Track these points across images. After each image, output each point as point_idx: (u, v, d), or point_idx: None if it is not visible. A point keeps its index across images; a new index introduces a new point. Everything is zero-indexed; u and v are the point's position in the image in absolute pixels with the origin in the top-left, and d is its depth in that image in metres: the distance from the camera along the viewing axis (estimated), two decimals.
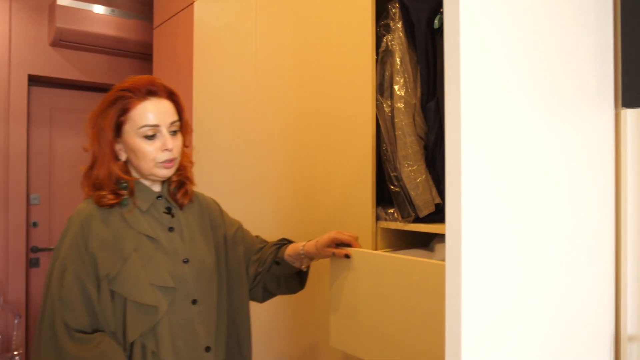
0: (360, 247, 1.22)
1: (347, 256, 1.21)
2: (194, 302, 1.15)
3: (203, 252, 1.20)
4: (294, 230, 1.64)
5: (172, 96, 1.19)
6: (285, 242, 1.33)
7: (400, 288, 1.10)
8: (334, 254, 1.23)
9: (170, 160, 1.15)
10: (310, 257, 1.27)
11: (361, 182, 1.43)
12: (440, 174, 1.36)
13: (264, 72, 1.80)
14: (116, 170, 1.14)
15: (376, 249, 1.40)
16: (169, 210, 1.20)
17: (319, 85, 1.58)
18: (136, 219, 1.14)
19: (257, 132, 1.84)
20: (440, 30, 1.38)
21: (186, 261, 1.16)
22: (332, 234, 1.23)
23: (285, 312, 1.71)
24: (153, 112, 1.12)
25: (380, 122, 1.40)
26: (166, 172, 1.16)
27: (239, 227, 1.35)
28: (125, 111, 1.12)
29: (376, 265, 1.16)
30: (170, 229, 1.18)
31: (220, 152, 2.04)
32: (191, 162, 1.28)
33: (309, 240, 1.26)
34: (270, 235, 1.42)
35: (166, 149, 1.13)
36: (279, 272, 1.31)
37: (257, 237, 1.38)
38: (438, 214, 1.35)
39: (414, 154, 1.34)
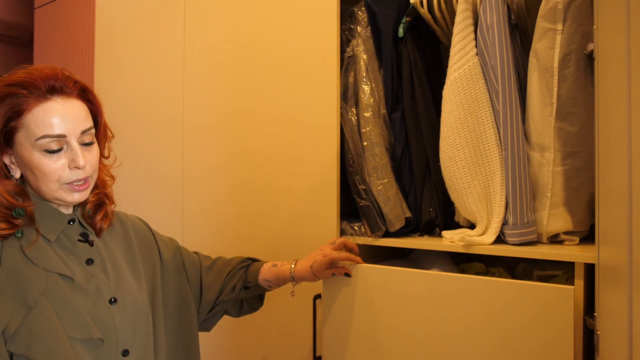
0: (359, 259, 1.17)
1: (347, 274, 1.14)
2: (125, 353, 0.91)
3: (133, 288, 0.96)
4: (244, 246, 1.49)
5: (84, 94, 0.93)
6: (249, 262, 1.19)
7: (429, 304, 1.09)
8: (334, 274, 1.14)
9: (83, 181, 0.89)
10: (302, 281, 1.15)
11: (324, 194, 1.34)
12: (406, 187, 1.33)
13: (195, 67, 1.62)
14: (4, 192, 0.87)
15: None
16: (85, 238, 0.94)
17: (272, 86, 1.45)
18: (42, 252, 0.87)
19: (188, 136, 1.65)
20: (404, 39, 1.35)
21: (113, 301, 0.91)
22: (330, 255, 1.13)
23: (232, 329, 1.55)
24: (58, 117, 0.85)
25: (345, 131, 1.33)
26: (77, 197, 0.89)
27: (177, 248, 1.13)
28: (17, 115, 0.85)
29: (396, 279, 1.14)
30: (89, 262, 0.92)
31: (140, 160, 1.79)
32: (112, 177, 1.04)
33: (294, 262, 1.14)
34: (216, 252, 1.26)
35: (76, 167, 0.87)
36: (246, 295, 1.17)
37: (196, 253, 1.18)
38: (407, 228, 1.31)
39: (383, 166, 1.29)
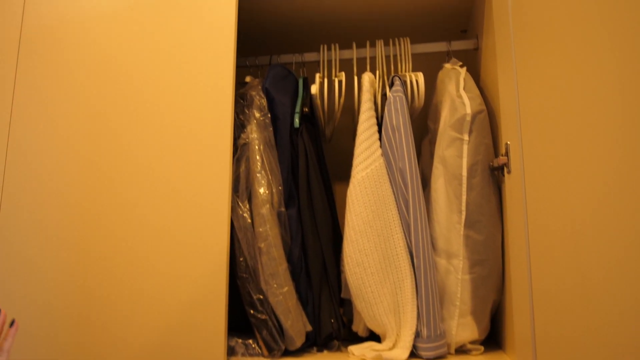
0: None
1: None
2: None
3: None
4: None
5: None
6: None
7: None
8: None
9: None
10: None
11: (208, 306, 1.10)
12: (303, 294, 1.17)
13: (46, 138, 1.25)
14: None
15: None
16: None
17: (149, 175, 1.18)
18: None
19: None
20: (299, 130, 1.25)
21: None
22: None
23: None
24: None
25: (236, 230, 1.13)
26: None
27: None
28: None
29: None
30: None
31: None
32: None
33: None
34: None
35: None
36: None
37: None
38: (307, 343, 1.15)
39: (283, 271, 1.12)
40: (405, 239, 1.12)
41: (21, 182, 1.21)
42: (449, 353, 1.12)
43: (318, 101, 1.27)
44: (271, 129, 1.19)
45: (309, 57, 1.41)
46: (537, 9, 0.85)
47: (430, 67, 1.46)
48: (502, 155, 1.06)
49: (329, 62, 1.38)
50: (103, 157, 1.18)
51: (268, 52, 1.51)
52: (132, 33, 1.22)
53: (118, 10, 1.24)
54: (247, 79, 1.39)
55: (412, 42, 1.37)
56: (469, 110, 1.12)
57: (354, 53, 1.37)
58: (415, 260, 1.10)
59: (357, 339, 1.22)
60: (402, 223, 1.13)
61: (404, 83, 1.22)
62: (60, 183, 1.19)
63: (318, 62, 1.39)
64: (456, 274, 1.12)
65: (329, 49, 1.39)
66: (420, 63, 1.52)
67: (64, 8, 1.27)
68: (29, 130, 1.23)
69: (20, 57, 1.28)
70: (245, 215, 1.14)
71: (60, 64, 1.25)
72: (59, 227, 1.17)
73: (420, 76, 1.24)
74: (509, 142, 1.02)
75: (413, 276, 1.11)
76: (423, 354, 1.07)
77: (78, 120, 1.21)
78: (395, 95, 1.17)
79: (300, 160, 1.23)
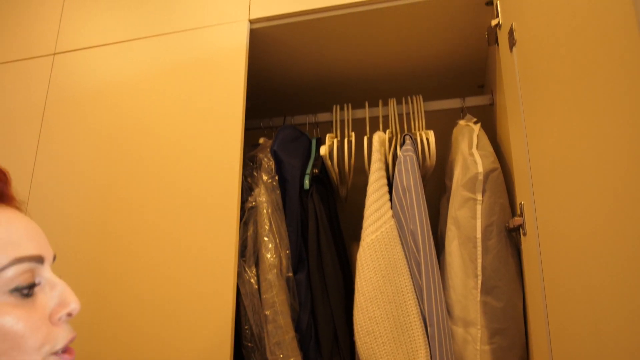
0: None
1: None
2: None
3: None
4: None
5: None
6: None
7: None
8: None
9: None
10: None
11: None
12: None
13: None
14: None
15: None
16: None
17: (154, 240, 1.18)
18: None
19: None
20: (309, 191, 1.23)
21: None
22: None
23: None
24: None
25: (242, 296, 1.10)
26: None
27: None
28: None
29: None
30: None
31: None
32: None
33: None
34: None
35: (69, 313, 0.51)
36: None
37: None
38: None
39: (290, 341, 1.07)
40: (419, 305, 1.06)
41: None
42: None
43: (328, 162, 1.26)
44: (279, 191, 1.17)
45: (322, 117, 1.41)
46: (543, 64, 0.81)
47: (446, 123, 1.43)
48: (517, 216, 1.00)
49: (342, 121, 1.37)
50: (113, 218, 1.19)
51: (282, 114, 1.52)
52: (145, 102, 1.26)
53: (133, 81, 1.28)
54: (261, 140, 1.39)
55: (427, 99, 1.36)
56: (480, 169, 1.07)
57: (366, 112, 1.36)
58: (429, 329, 1.03)
59: None
60: (415, 289, 1.07)
61: (414, 142, 1.19)
62: (76, 246, 1.20)
63: (331, 122, 1.39)
64: (474, 344, 1.04)
65: (342, 109, 1.38)
66: (436, 120, 1.49)
67: (86, 77, 1.33)
68: (47, 205, 1.26)
69: (45, 117, 1.34)
70: (252, 280, 1.11)
71: (80, 127, 1.29)
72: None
73: (431, 134, 1.21)
74: (523, 202, 0.96)
75: (427, 346, 1.03)
76: None
77: (89, 182, 1.23)
78: (405, 154, 1.14)
79: (310, 222, 1.20)
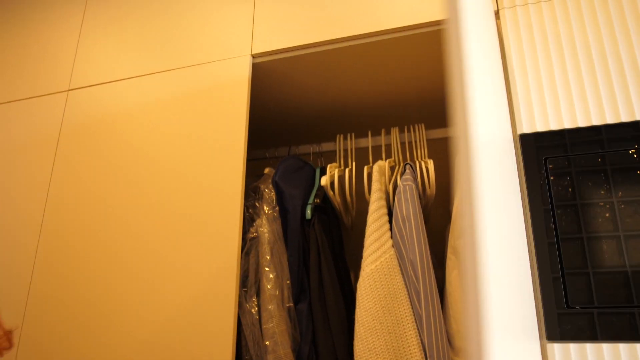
0: None
1: None
2: None
3: None
4: None
5: None
6: None
7: None
8: None
9: None
10: None
11: None
12: None
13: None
14: None
15: None
16: None
17: (156, 270, 1.20)
18: None
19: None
20: (311, 221, 1.24)
21: None
22: None
23: None
24: None
25: (243, 326, 1.11)
26: None
27: None
28: None
29: None
30: None
31: None
32: None
33: None
34: None
35: None
36: None
37: None
38: None
39: None
40: (419, 336, 1.05)
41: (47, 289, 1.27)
42: None
43: (330, 192, 1.27)
44: (280, 222, 1.18)
45: (326, 147, 1.43)
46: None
47: (449, 151, 1.43)
48: None
49: (345, 150, 1.39)
50: (116, 246, 1.22)
51: (288, 144, 1.55)
52: (151, 134, 1.30)
53: (141, 113, 1.33)
54: (266, 170, 1.42)
55: (430, 127, 1.36)
56: None
57: (369, 141, 1.37)
58: None
59: None
60: (415, 320, 1.06)
61: (414, 171, 1.19)
62: (84, 275, 1.23)
63: (335, 151, 1.41)
64: None
65: (346, 138, 1.40)
66: (439, 148, 1.50)
67: (97, 111, 1.38)
68: (59, 229, 1.31)
69: (59, 148, 1.39)
70: (253, 311, 1.12)
71: (91, 156, 1.34)
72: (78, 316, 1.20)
73: (430, 163, 1.22)
74: None
75: None
76: None
77: (96, 210, 1.27)
78: (405, 184, 1.15)
79: (311, 252, 1.21)
